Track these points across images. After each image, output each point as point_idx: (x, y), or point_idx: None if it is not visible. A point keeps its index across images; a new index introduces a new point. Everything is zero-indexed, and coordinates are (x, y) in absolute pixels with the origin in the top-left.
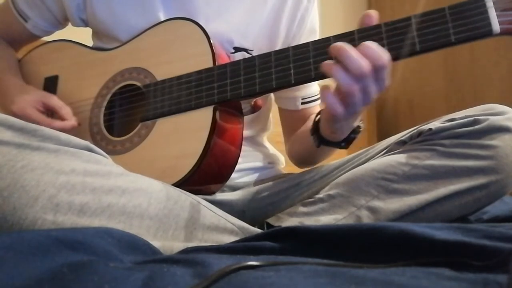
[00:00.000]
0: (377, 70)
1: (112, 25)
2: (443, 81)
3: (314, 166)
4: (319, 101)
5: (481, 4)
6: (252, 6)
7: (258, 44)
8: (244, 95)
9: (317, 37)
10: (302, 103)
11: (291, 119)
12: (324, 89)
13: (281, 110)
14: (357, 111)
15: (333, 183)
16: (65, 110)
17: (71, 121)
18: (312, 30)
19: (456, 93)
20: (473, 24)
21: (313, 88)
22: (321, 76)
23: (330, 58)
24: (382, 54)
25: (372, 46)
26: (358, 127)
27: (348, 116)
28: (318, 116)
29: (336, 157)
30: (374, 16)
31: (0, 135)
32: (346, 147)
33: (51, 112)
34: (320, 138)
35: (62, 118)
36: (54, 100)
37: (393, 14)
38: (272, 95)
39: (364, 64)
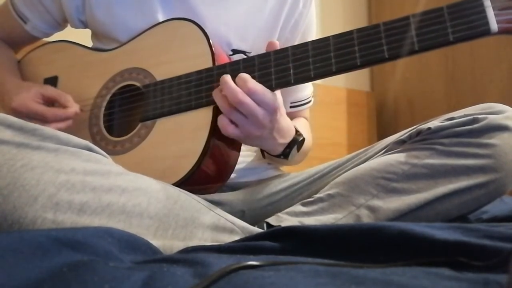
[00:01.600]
0: (251, 95)
1: (111, 27)
2: (443, 81)
3: (314, 166)
4: (308, 104)
5: (479, 3)
6: (251, 9)
7: (256, 46)
8: None
9: None
10: (291, 107)
11: None
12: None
13: None
14: (254, 134)
15: (332, 182)
16: (65, 97)
17: (73, 108)
18: (306, 36)
19: (456, 93)
20: (471, 23)
21: (305, 92)
22: (320, 75)
23: (329, 58)
24: (246, 82)
25: (242, 76)
26: (293, 141)
27: (251, 138)
28: None
29: (336, 157)
30: (276, 44)
31: (0, 134)
32: (285, 158)
33: (51, 103)
34: (262, 150)
35: (63, 106)
36: (52, 90)
37: (392, 14)
38: None
39: (237, 93)
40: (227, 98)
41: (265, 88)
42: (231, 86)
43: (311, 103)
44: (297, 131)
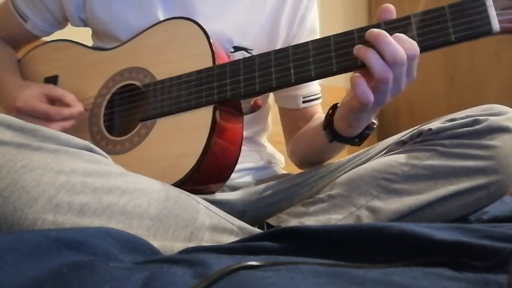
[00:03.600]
0: (410, 59)
1: (111, 25)
2: (443, 81)
3: (314, 166)
4: (320, 100)
5: (481, 2)
6: (251, 6)
7: (257, 43)
8: (244, 95)
9: (317, 36)
10: (304, 102)
11: (293, 119)
12: (355, 77)
13: (281, 110)
14: (386, 101)
15: (333, 183)
16: (70, 96)
17: (78, 107)
18: (313, 30)
19: (456, 93)
20: (473, 23)
21: (314, 87)
22: (321, 75)
23: (330, 58)
24: (414, 44)
25: (404, 37)
26: (373, 123)
27: (376, 106)
28: (331, 111)
29: (336, 157)
30: (392, 11)
31: (0, 135)
32: (359, 143)
33: (53, 103)
34: (333, 133)
35: (68, 105)
36: (56, 89)
37: None
38: (271, 95)
39: (400, 52)
40: (382, 56)
41: None
42: (393, 42)
43: (320, 100)
44: None
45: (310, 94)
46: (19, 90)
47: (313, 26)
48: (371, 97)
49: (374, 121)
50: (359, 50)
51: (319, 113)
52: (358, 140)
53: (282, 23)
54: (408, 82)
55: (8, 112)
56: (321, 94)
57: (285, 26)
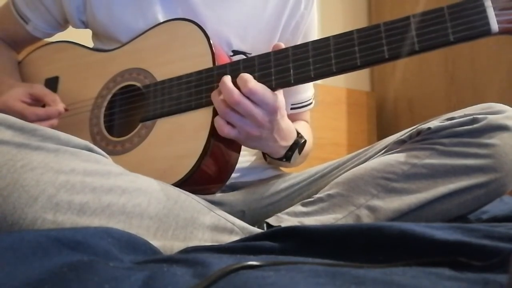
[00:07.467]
0: (248, 96)
1: (111, 27)
2: (443, 81)
3: (314, 166)
4: (309, 107)
5: (480, 3)
6: (252, 10)
7: (257, 47)
8: None
9: None
10: (292, 108)
11: None
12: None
13: None
14: (253, 134)
15: (332, 182)
16: (50, 96)
17: (56, 107)
18: (307, 37)
19: (456, 93)
20: (472, 23)
21: (305, 94)
22: (320, 75)
23: (329, 58)
24: (247, 82)
25: (245, 76)
26: (295, 144)
27: (250, 139)
28: None
29: (336, 157)
30: (281, 46)
31: (0, 134)
32: (288, 162)
33: (42, 103)
34: (264, 153)
35: (47, 105)
36: (38, 89)
37: (392, 14)
38: None
39: (234, 95)
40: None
41: (266, 88)
42: (228, 87)
43: (312, 105)
44: (298, 133)
45: (298, 102)
46: (6, 92)
47: (308, 34)
48: (226, 129)
49: (297, 140)
50: (211, 95)
51: (303, 120)
52: (285, 159)
53: (281, 28)
54: (269, 114)
55: None
56: (313, 100)
57: (280, 32)
